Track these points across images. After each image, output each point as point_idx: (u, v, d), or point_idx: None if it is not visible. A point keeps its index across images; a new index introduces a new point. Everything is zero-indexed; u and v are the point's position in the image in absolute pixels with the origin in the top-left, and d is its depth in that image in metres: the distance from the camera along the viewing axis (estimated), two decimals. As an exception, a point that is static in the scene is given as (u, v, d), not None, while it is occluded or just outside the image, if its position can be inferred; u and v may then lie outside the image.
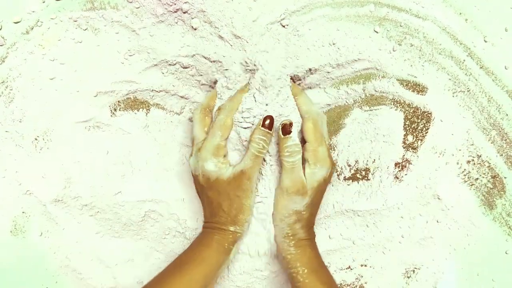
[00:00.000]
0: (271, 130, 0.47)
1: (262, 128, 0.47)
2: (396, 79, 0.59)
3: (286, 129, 0.47)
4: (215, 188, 0.48)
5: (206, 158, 0.48)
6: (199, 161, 0.48)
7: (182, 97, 0.62)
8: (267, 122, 0.47)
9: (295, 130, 0.48)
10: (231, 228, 0.49)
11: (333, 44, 0.58)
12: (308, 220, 0.49)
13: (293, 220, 0.49)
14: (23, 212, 0.60)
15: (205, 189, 0.49)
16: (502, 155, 0.60)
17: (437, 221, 0.62)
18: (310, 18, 0.57)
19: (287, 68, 0.56)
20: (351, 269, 0.63)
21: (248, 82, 0.54)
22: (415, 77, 0.59)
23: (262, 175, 0.52)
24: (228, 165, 0.48)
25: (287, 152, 0.47)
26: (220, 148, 0.48)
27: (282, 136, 0.47)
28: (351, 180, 0.62)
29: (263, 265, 0.56)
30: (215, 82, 0.58)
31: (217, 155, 0.48)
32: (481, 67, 0.59)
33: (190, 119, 0.62)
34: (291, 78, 0.57)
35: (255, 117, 0.49)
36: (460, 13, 0.58)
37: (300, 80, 0.59)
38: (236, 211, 0.48)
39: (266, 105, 0.50)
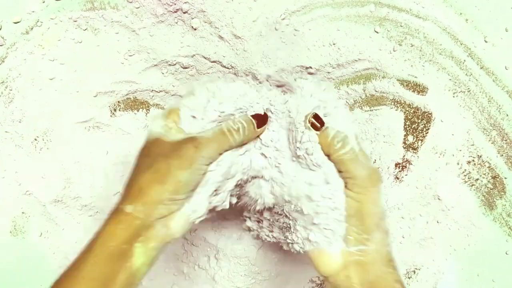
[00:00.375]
0: (258, 128, 0.40)
1: (250, 117, 0.40)
2: (397, 79, 0.59)
3: (316, 123, 0.38)
4: (146, 149, 0.37)
5: (155, 119, 0.39)
6: (149, 123, 0.42)
7: (182, 97, 0.61)
8: (258, 118, 0.40)
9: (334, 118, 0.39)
10: (128, 208, 0.33)
11: (334, 44, 0.57)
12: None
13: (386, 228, 0.37)
14: (22, 213, 0.60)
15: (147, 150, 0.37)
16: (502, 155, 0.60)
17: (438, 222, 0.61)
18: (310, 18, 0.57)
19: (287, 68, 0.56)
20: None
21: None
22: (415, 77, 0.59)
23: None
24: (181, 131, 0.38)
25: (337, 143, 0.36)
26: (175, 112, 0.39)
27: (318, 132, 0.38)
28: (351, 181, 0.62)
29: (263, 268, 0.56)
30: None
31: (166, 117, 0.38)
32: (481, 68, 0.59)
33: None
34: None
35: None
36: (461, 13, 0.58)
37: None
38: (153, 177, 0.34)
39: (269, 100, 0.44)
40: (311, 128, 0.38)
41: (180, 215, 0.35)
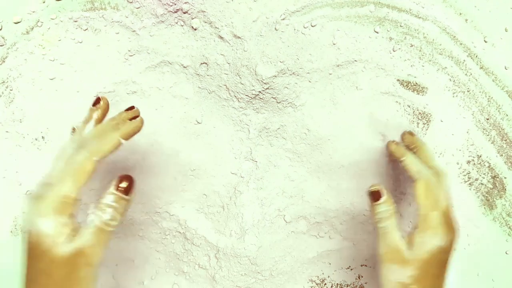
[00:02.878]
0: (127, 195, 0.35)
1: (115, 192, 0.35)
2: (396, 80, 0.59)
3: (375, 196, 0.42)
4: (45, 264, 0.32)
5: (43, 213, 0.32)
6: (33, 214, 0.33)
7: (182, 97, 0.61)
8: (123, 184, 0.35)
9: (386, 194, 0.43)
10: None
11: (334, 44, 0.58)
12: None
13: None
14: (23, 212, 0.60)
15: (32, 258, 0.33)
16: (502, 155, 0.60)
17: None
18: (310, 18, 0.57)
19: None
20: (351, 269, 0.63)
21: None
22: (415, 77, 0.59)
23: None
24: (70, 233, 0.33)
25: (377, 218, 0.42)
26: (68, 202, 0.33)
27: (372, 203, 0.42)
28: (351, 180, 0.62)
29: (263, 268, 0.56)
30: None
31: (61, 212, 0.33)
32: (481, 68, 0.59)
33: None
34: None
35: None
36: (460, 14, 0.58)
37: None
38: None
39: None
40: (369, 196, 0.43)
41: None
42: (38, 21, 0.57)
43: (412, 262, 0.39)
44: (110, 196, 0.35)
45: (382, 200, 0.42)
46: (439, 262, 0.40)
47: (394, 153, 0.48)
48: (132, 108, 0.44)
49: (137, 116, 0.42)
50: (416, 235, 0.41)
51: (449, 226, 0.41)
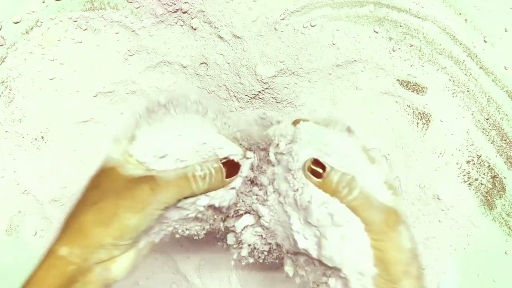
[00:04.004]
0: (227, 178, 0.35)
1: (220, 164, 0.35)
2: (396, 80, 0.59)
3: (317, 169, 0.33)
4: (97, 179, 0.33)
5: (115, 141, 0.34)
6: (108, 149, 0.34)
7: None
8: (230, 166, 0.35)
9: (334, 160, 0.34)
10: (63, 251, 0.29)
11: (333, 44, 0.58)
12: None
13: (417, 272, 0.32)
14: (19, 212, 0.60)
15: (84, 186, 0.33)
16: (501, 155, 0.60)
17: (439, 221, 0.61)
18: (310, 18, 0.57)
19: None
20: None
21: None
22: (414, 77, 0.59)
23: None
24: (141, 166, 0.33)
25: (343, 188, 0.32)
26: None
27: (321, 180, 0.32)
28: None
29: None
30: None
31: (130, 142, 0.34)
32: (480, 67, 0.59)
33: None
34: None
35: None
36: (460, 13, 0.58)
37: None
38: (96, 217, 0.30)
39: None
40: (311, 176, 0.32)
41: (125, 258, 0.31)
42: (37, 21, 0.57)
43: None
44: (215, 162, 0.34)
45: (328, 168, 0.32)
46: None
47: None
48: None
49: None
50: None
51: None
